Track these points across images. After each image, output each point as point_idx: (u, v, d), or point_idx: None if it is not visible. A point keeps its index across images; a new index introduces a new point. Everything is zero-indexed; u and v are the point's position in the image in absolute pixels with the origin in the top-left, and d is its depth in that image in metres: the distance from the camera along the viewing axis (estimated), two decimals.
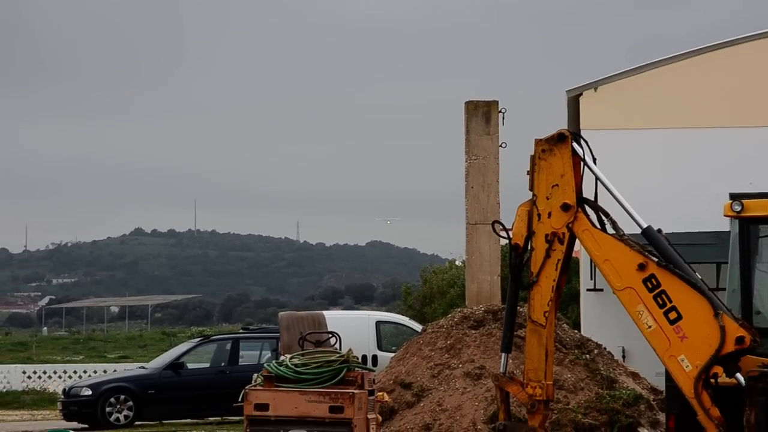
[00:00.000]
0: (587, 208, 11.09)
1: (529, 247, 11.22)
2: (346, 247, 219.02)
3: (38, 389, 39.35)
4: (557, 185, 11.05)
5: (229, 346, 28.72)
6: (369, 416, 12.47)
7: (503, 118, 19.18)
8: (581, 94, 26.85)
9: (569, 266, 11.35)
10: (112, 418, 27.38)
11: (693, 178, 25.58)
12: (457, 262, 45.09)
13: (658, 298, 10.52)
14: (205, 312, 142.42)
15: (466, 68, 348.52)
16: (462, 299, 20.12)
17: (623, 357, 23.12)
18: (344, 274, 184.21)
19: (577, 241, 11.13)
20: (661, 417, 15.62)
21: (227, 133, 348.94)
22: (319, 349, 13.29)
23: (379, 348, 26.65)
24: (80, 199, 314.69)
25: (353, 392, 12.17)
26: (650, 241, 10.79)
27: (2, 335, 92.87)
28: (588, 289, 26.18)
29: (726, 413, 10.33)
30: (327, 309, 65.79)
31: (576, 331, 18.86)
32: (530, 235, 11.20)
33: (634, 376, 17.57)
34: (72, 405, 27.83)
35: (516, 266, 11.32)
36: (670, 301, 10.48)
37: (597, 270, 11.79)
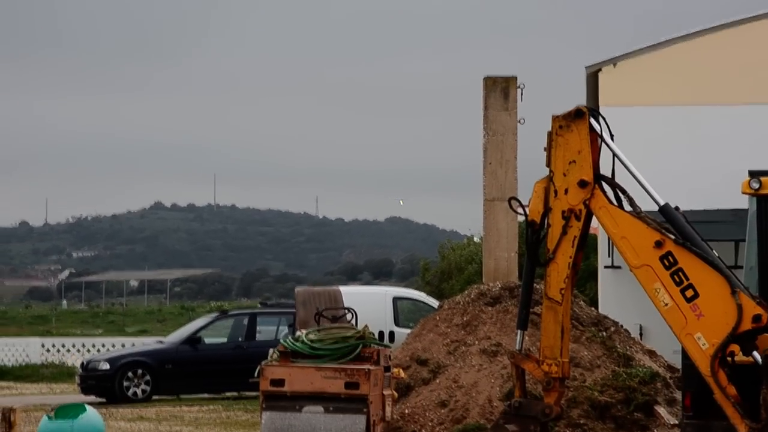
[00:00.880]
0: (604, 185, 11.03)
1: (545, 224, 11.18)
2: (365, 223, 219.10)
3: (57, 363, 39.54)
4: (574, 162, 10.99)
5: (246, 321, 28.78)
6: (385, 392, 12.47)
7: (522, 93, 19.10)
8: (600, 70, 26.69)
9: (586, 243, 11.29)
10: (129, 393, 27.49)
11: (712, 155, 25.44)
12: (475, 239, 45.04)
13: (675, 276, 10.47)
14: (224, 287, 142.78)
15: (485, 43, 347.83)
16: (480, 276, 20.08)
17: (640, 335, 23.06)
18: (363, 250, 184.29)
19: (594, 218, 11.09)
20: (678, 395, 15.58)
21: (247, 108, 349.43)
22: (335, 324, 13.28)
23: (396, 324, 26.61)
24: (100, 173, 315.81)
25: (369, 368, 12.17)
26: (667, 218, 10.74)
27: (22, 308, 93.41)
28: (606, 267, 26.10)
29: (742, 392, 10.30)
30: (345, 284, 65.82)
31: (593, 308, 18.81)
32: (547, 211, 11.15)
33: (651, 354, 17.52)
34: (90, 379, 27.97)
35: (532, 243, 11.28)
36: (687, 279, 10.43)
37: (614, 247, 11.74)
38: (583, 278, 30.16)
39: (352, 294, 24.95)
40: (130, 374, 27.66)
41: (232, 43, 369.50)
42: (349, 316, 14.10)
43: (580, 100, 27.51)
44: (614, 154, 11.01)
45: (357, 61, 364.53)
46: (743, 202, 12.09)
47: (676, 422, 14.95)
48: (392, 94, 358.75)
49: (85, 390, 27.98)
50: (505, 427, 11.19)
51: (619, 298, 24.27)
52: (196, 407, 25.03)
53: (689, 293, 10.41)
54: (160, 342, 30.41)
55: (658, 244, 10.55)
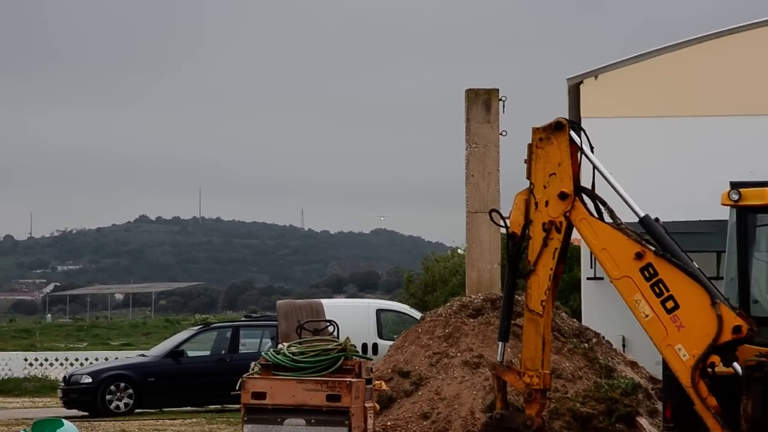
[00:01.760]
0: (585, 197, 11.06)
1: (526, 236, 11.19)
2: (350, 235, 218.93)
3: (40, 376, 39.37)
4: (554, 174, 11.02)
5: (229, 333, 28.71)
6: (366, 405, 12.46)
7: (503, 106, 19.13)
8: (582, 82, 26.78)
9: (567, 255, 11.33)
10: (112, 406, 27.37)
11: (693, 166, 25.52)
12: (459, 251, 45.05)
13: (655, 287, 10.50)
14: (209, 299, 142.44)
15: (468, 56, 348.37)
16: (463, 288, 20.08)
17: (623, 346, 23.08)
18: (348, 262, 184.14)
19: (575, 229, 11.10)
20: (660, 406, 15.57)
21: (233, 121, 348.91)
22: (317, 337, 13.28)
23: (380, 336, 26.59)
24: (85, 187, 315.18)
25: (350, 381, 12.15)
26: (647, 230, 10.76)
27: (7, 322, 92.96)
28: (588, 278, 26.15)
29: (723, 402, 10.32)
30: (331, 297, 65.77)
31: (574, 319, 18.81)
32: (528, 223, 11.18)
33: (633, 365, 17.54)
34: (72, 392, 27.83)
35: (513, 255, 11.30)
36: (668, 290, 10.45)
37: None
38: (567, 289, 30.21)
39: (335, 307, 24.91)
40: (112, 388, 27.54)
41: (219, 58, 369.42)
42: (330, 329, 14.10)
43: (562, 112, 27.59)
44: (594, 167, 11.03)
45: (342, 74, 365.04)
46: (725, 213, 12.12)
47: None
48: (377, 107, 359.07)
49: (68, 404, 27.85)
50: None
51: (602, 309, 24.31)
52: (178, 420, 24.95)
53: (669, 304, 10.44)
54: (143, 355, 30.32)
55: (639, 256, 10.57)
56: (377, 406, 13.49)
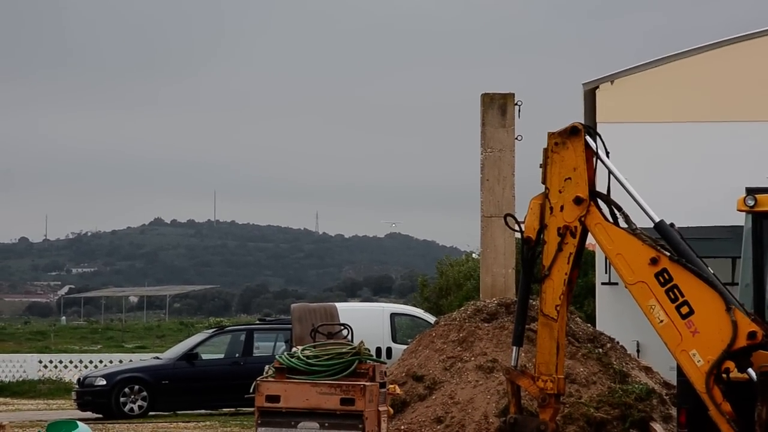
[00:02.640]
0: (600, 202, 11.04)
1: (541, 241, 11.17)
2: (365, 239, 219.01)
3: (54, 378, 39.48)
4: (570, 178, 10.99)
5: (243, 337, 28.74)
6: (380, 409, 12.45)
7: (519, 110, 19.14)
8: (597, 87, 26.74)
9: (581, 260, 11.29)
10: (126, 408, 27.43)
11: (709, 172, 25.46)
12: (474, 255, 45.02)
13: (670, 293, 10.46)
14: (223, 302, 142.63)
15: (484, 60, 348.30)
16: (478, 292, 20.09)
17: (638, 351, 23.04)
18: (363, 266, 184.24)
19: (590, 234, 11.08)
20: (674, 412, 15.54)
21: (248, 125, 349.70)
22: (331, 341, 13.28)
23: (394, 340, 26.62)
24: (100, 189, 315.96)
25: (364, 384, 12.15)
26: (663, 235, 10.73)
27: (21, 324, 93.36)
28: (603, 283, 26.11)
29: (738, 408, 10.28)
30: (345, 300, 65.79)
31: (589, 324, 18.79)
32: (542, 228, 11.14)
33: (647, 370, 17.51)
34: (86, 395, 27.90)
35: (528, 259, 11.27)
36: (682, 296, 10.42)
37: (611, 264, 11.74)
38: (581, 294, 30.17)
39: (349, 310, 24.95)
40: (126, 390, 27.60)
41: (233, 62, 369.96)
42: (345, 332, 14.10)
43: (578, 117, 27.57)
44: (610, 171, 11.01)
45: (357, 77, 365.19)
46: (740, 219, 12.10)
47: None
48: (392, 110, 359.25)
49: (82, 406, 27.92)
50: None
51: (617, 314, 24.26)
52: (192, 423, 24.99)
53: (684, 310, 10.40)
54: (157, 358, 30.37)
55: (654, 261, 10.54)
56: (391, 410, 13.49)
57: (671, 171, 25.72)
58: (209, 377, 27.82)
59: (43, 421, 21.30)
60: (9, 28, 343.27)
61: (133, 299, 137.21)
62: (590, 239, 11.21)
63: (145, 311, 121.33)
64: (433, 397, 16.51)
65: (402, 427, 16.08)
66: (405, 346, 20.22)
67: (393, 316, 27.43)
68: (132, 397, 27.56)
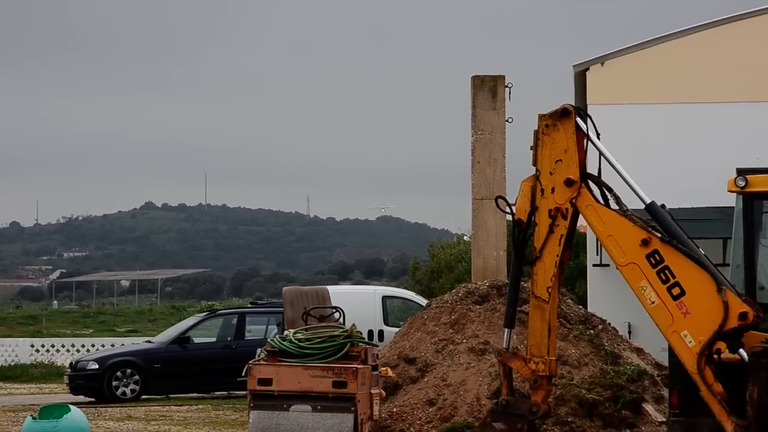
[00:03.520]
0: (591, 184, 11.05)
1: (532, 223, 11.18)
2: (356, 222, 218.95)
3: (46, 363, 39.44)
4: (561, 160, 11.01)
5: (235, 320, 28.73)
6: (372, 391, 12.48)
7: (509, 93, 19.11)
8: (588, 69, 26.71)
9: (573, 242, 11.31)
10: (118, 392, 27.42)
11: (699, 153, 25.45)
12: (465, 237, 45.04)
13: (662, 274, 10.49)
14: (215, 286, 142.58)
15: (474, 42, 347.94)
16: (469, 274, 20.11)
17: (629, 332, 23.09)
18: (354, 249, 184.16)
19: (582, 216, 11.09)
20: (666, 392, 15.58)
21: (236, 109, 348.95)
22: (323, 324, 13.29)
23: (386, 323, 26.62)
24: (91, 173, 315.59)
25: (356, 367, 12.18)
26: (654, 216, 10.75)
27: (13, 308, 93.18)
28: (594, 265, 26.13)
29: (729, 389, 10.32)
30: (336, 284, 65.80)
31: (580, 306, 18.82)
32: (533, 210, 11.16)
33: (639, 351, 17.54)
34: (78, 379, 27.89)
35: (519, 241, 11.30)
36: (674, 277, 10.45)
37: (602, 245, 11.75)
38: (573, 276, 30.19)
39: (341, 293, 24.92)
40: (119, 374, 27.59)
41: (227, 47, 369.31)
42: (336, 315, 14.10)
43: (568, 99, 27.53)
44: (600, 153, 11.02)
45: (348, 60, 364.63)
46: (731, 200, 12.10)
47: (664, 420, 14.96)
48: (383, 93, 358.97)
49: (74, 390, 27.91)
50: (493, 426, 11.21)
51: (608, 296, 24.28)
52: (185, 407, 24.99)
53: (675, 291, 10.44)
54: (149, 342, 30.36)
55: (645, 242, 10.57)
56: (383, 393, 13.51)
57: (662, 152, 25.71)
58: (201, 361, 27.82)
59: (35, 405, 21.29)
60: (12, 12, 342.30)
61: (125, 283, 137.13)
62: (581, 221, 11.22)
63: (136, 295, 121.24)
64: (425, 380, 16.53)
65: (394, 410, 16.10)
66: (397, 329, 20.24)
67: (385, 298, 27.43)
68: (124, 380, 27.55)
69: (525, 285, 12.83)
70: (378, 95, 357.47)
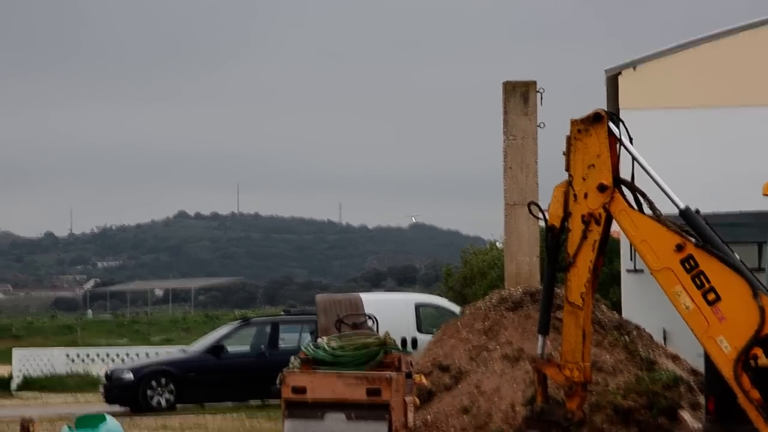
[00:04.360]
0: (624, 189, 10.99)
1: (565, 229, 11.13)
2: (388, 229, 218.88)
3: (82, 372, 39.64)
4: (593, 165, 10.95)
5: (268, 329, 28.78)
6: (406, 399, 12.45)
7: (541, 98, 19.05)
8: (620, 73, 26.62)
9: (606, 247, 11.25)
10: (153, 402, 27.53)
11: (734, 157, 25.31)
12: (497, 244, 44.91)
13: (696, 279, 10.41)
14: (248, 294, 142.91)
15: (506, 48, 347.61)
16: (502, 281, 20.04)
17: (664, 338, 22.94)
18: (387, 256, 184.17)
19: (615, 221, 11.03)
20: (702, 399, 15.48)
21: (270, 117, 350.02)
22: (356, 331, 13.28)
23: (419, 330, 26.58)
24: (124, 183, 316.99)
25: (390, 375, 12.15)
26: (688, 221, 10.67)
27: (48, 318, 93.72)
28: (628, 270, 26.01)
29: (766, 395, 10.22)
30: (369, 291, 65.77)
31: (615, 312, 18.70)
32: (567, 216, 11.11)
33: (674, 357, 17.42)
34: (114, 388, 28.01)
35: (552, 247, 11.24)
36: (709, 282, 10.36)
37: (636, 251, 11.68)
38: (606, 282, 30.05)
39: (374, 301, 24.88)
40: (153, 383, 27.69)
41: (260, 55, 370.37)
42: (370, 323, 14.10)
43: (601, 104, 27.44)
44: (633, 158, 10.95)
45: (380, 67, 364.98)
46: (766, 204, 12.02)
47: (700, 426, 14.86)
48: (414, 99, 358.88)
49: (110, 399, 28.03)
50: None
51: (642, 301, 24.15)
52: (219, 416, 25.02)
53: (711, 296, 10.35)
54: (184, 351, 30.44)
55: (679, 248, 10.49)
56: (417, 401, 13.48)
57: (696, 157, 25.58)
58: (235, 369, 27.88)
59: (72, 415, 21.35)
60: (36, 26, 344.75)
61: (159, 292, 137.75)
62: (615, 226, 11.16)
63: (170, 304, 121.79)
64: (459, 387, 16.47)
65: (428, 418, 16.05)
66: (430, 336, 20.20)
67: (418, 306, 27.41)
68: (159, 390, 27.65)
69: (559, 291, 12.77)
70: (409, 102, 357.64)
